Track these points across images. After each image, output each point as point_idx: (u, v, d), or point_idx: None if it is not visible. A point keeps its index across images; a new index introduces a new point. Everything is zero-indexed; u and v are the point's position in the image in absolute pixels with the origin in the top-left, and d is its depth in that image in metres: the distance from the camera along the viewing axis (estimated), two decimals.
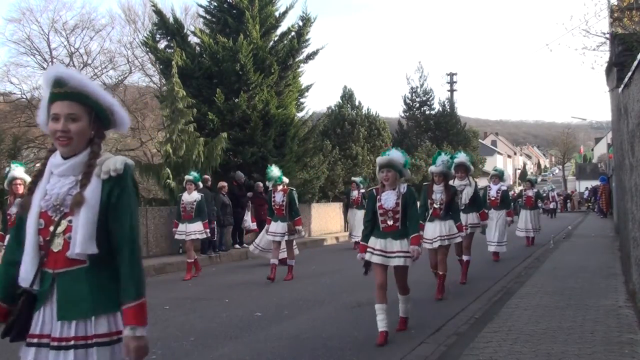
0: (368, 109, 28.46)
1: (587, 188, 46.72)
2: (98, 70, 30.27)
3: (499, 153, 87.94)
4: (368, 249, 5.60)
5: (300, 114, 20.26)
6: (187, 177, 10.85)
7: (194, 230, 10.50)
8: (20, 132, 25.76)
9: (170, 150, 15.58)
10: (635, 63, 5.94)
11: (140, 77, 32.28)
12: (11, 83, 29.40)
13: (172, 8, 24.68)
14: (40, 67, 29.40)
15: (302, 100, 20.24)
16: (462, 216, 8.58)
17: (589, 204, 42.28)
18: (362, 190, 15.73)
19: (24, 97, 29.35)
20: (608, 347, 4.74)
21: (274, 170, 10.10)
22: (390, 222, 5.56)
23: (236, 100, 17.73)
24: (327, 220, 20.91)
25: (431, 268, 8.05)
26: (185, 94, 15.87)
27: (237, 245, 15.09)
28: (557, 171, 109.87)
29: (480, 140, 54.37)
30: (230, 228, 14.69)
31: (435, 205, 7.63)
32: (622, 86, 7.42)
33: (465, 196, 8.97)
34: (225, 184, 14.37)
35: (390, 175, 5.60)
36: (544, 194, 32.34)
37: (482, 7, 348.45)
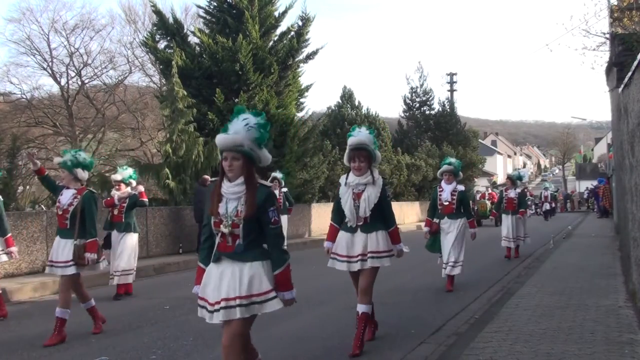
0: (368, 109, 28.51)
1: (587, 188, 46.75)
2: (98, 70, 30.34)
3: (499, 153, 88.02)
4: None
5: (300, 114, 20.28)
6: None
7: None
8: (20, 132, 25.78)
9: (170, 150, 15.59)
10: (635, 63, 5.93)
11: (140, 77, 32.43)
12: (11, 83, 29.48)
13: (172, 8, 24.68)
14: (40, 67, 29.47)
15: (302, 100, 20.27)
16: (359, 238, 5.22)
17: (589, 204, 42.31)
18: (285, 189, 12.89)
19: (24, 97, 29.37)
20: (608, 347, 4.74)
21: (82, 154, 6.31)
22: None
23: (236, 100, 17.73)
24: (327, 221, 20.71)
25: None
26: (185, 94, 15.89)
27: None
28: (557, 171, 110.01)
29: (480, 140, 54.41)
30: None
31: (223, 228, 3.48)
32: (622, 86, 7.42)
33: (366, 203, 5.17)
34: None
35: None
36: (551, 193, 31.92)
37: (482, 7, 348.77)
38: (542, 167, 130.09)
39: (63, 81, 29.57)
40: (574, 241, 15.74)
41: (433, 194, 8.86)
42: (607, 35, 12.45)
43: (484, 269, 10.68)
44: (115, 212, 8.58)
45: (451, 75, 40.34)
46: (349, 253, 5.24)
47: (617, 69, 9.68)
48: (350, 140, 5.22)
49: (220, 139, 3.50)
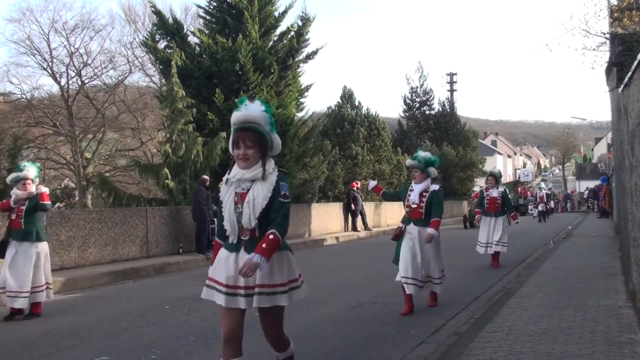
0: (368, 109, 28.51)
1: (587, 188, 46.76)
2: (98, 70, 30.35)
3: (499, 153, 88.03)
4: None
5: (300, 114, 20.27)
6: None
7: None
8: (20, 132, 25.77)
9: (170, 150, 15.59)
10: (635, 63, 5.93)
11: (140, 77, 32.48)
12: (11, 83, 29.48)
13: (172, 8, 24.77)
14: (40, 67, 29.48)
15: (302, 100, 20.26)
16: (243, 261, 3.39)
17: (589, 204, 42.33)
18: None
19: (24, 97, 29.35)
20: (608, 347, 4.74)
21: None
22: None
23: (236, 100, 17.70)
24: (327, 221, 20.92)
25: None
26: (184, 94, 15.89)
27: None
28: (557, 171, 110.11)
29: (480, 140, 54.46)
30: None
31: None
32: (622, 86, 7.41)
33: (250, 209, 3.46)
34: None
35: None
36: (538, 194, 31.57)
37: (482, 7, 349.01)
38: (542, 167, 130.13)
39: (63, 81, 29.60)
40: (574, 241, 15.74)
41: (403, 188, 7.47)
42: (607, 35, 12.45)
43: (484, 269, 10.68)
44: (13, 216, 7.20)
45: (451, 75, 40.38)
46: (229, 281, 3.47)
47: (617, 69, 9.68)
48: (235, 117, 3.52)
49: None
